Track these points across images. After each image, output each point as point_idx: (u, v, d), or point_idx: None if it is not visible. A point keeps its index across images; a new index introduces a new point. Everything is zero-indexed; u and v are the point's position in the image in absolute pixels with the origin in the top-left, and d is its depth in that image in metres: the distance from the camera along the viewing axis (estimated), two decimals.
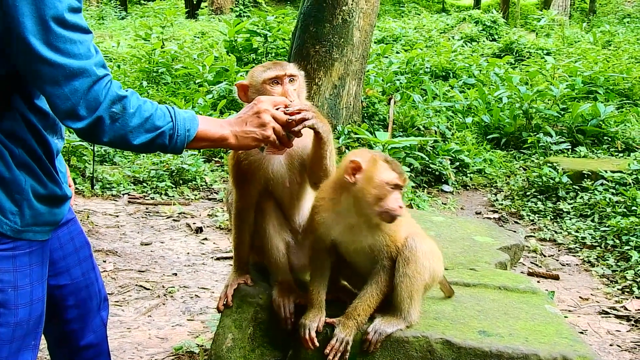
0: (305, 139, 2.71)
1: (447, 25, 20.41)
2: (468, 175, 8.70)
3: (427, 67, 13.23)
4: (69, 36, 2.02)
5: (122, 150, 8.44)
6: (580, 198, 7.41)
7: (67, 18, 2.01)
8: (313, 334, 2.73)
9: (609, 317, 5.13)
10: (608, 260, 6.12)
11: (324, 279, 2.83)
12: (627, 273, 5.77)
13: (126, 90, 2.16)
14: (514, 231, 6.45)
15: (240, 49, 12.22)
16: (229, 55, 12.19)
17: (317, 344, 2.74)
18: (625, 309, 5.23)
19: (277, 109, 2.44)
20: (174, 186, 7.89)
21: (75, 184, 7.47)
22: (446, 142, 9.06)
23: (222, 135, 2.35)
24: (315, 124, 2.56)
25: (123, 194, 7.63)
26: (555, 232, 6.95)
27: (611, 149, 9.36)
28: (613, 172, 7.63)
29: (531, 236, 6.85)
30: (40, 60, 1.99)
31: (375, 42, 15.22)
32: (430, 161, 8.38)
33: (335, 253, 2.84)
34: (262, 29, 12.14)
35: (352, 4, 8.63)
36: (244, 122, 2.40)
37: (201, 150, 9.05)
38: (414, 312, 2.73)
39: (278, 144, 2.45)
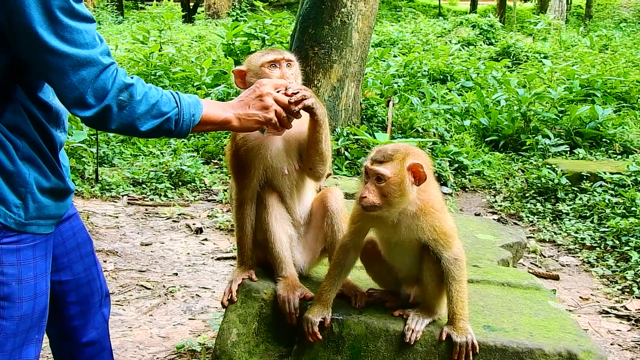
0: (302, 124, 2.76)
1: (444, 29, 20.43)
2: (467, 177, 8.71)
3: (424, 70, 13.25)
4: (75, 26, 2.03)
5: (129, 136, 8.45)
6: (580, 199, 7.42)
7: (72, 7, 2.02)
8: (316, 329, 2.74)
9: (610, 316, 5.13)
10: (608, 260, 6.12)
11: (341, 278, 2.83)
12: (627, 273, 5.77)
13: (132, 78, 2.19)
14: (516, 229, 6.45)
15: (238, 52, 12.22)
16: (227, 58, 12.18)
17: (320, 337, 2.75)
18: (626, 308, 5.24)
19: (277, 92, 2.49)
20: (173, 187, 7.88)
21: (74, 185, 7.45)
22: (445, 144, 9.07)
23: (226, 119, 2.41)
24: (314, 103, 2.61)
25: (122, 196, 7.62)
26: (555, 233, 6.95)
27: (609, 151, 9.38)
28: (612, 173, 7.64)
29: (531, 237, 6.86)
30: (49, 50, 1.99)
31: (372, 46, 15.23)
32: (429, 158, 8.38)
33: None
34: (259, 32, 12.16)
35: (350, 6, 8.64)
36: (246, 105, 2.45)
37: (200, 152, 9.05)
38: (443, 307, 2.77)
39: (278, 125, 2.50)
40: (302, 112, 2.58)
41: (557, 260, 6.30)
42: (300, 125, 2.76)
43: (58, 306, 2.60)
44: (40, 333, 2.34)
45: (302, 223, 3.09)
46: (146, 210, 7.27)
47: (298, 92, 2.53)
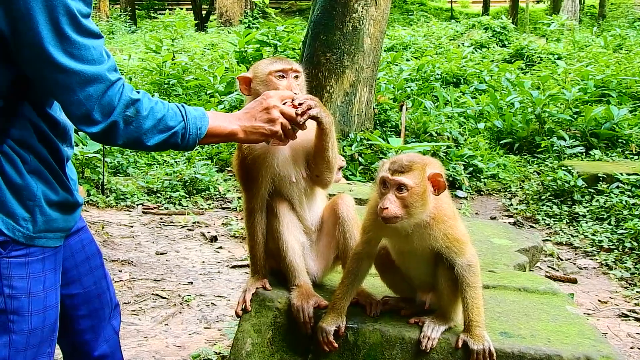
0: (309, 132, 2.74)
1: (457, 32, 20.39)
2: (482, 180, 8.66)
3: (437, 74, 13.23)
4: (83, 42, 2.02)
5: (135, 150, 8.49)
6: (596, 201, 7.35)
7: (80, 23, 2.01)
8: (331, 338, 2.72)
9: (629, 320, 5.07)
10: (626, 263, 6.05)
11: (355, 286, 2.80)
12: None
13: (138, 93, 2.18)
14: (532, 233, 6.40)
15: (251, 59, 12.25)
16: (240, 66, 12.24)
17: (336, 345, 2.72)
18: None
19: (284, 103, 2.49)
20: (187, 196, 7.90)
21: (89, 195, 7.50)
22: (459, 148, 9.03)
23: (232, 131, 2.41)
24: (319, 113, 2.60)
25: (137, 205, 7.65)
26: (572, 235, 6.89)
27: (625, 152, 9.29)
28: (629, 174, 7.57)
29: (547, 240, 6.80)
30: (56, 67, 1.98)
31: (385, 50, 15.23)
32: (443, 167, 8.34)
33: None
34: (272, 39, 12.19)
35: (362, 11, 8.64)
36: (253, 118, 2.45)
37: (214, 160, 9.07)
38: (459, 313, 2.73)
39: (283, 137, 2.50)
40: (309, 120, 2.57)
41: (574, 263, 6.24)
42: (307, 134, 2.74)
43: (68, 320, 2.57)
44: (51, 347, 2.33)
45: (313, 230, 3.07)
46: (161, 219, 7.28)
47: (304, 103, 2.52)
